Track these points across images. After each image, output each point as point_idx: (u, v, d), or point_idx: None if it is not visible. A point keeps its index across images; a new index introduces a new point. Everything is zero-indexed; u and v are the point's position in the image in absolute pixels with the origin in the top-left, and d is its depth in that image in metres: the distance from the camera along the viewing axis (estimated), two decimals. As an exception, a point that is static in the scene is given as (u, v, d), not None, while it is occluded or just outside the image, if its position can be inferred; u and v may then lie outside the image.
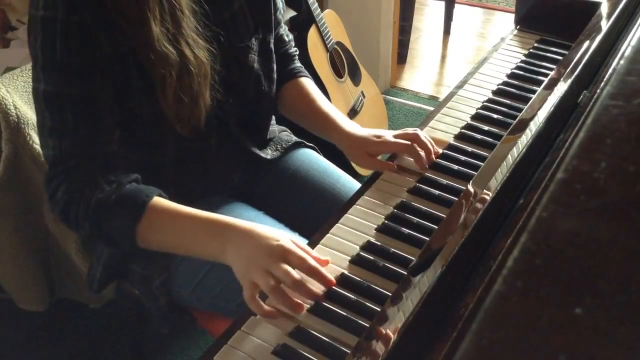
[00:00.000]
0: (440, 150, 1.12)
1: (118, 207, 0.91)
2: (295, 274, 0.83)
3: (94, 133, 0.92)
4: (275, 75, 1.16)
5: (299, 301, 0.83)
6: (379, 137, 1.10)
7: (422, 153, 1.08)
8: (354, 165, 1.99)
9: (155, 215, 0.91)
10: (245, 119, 1.14)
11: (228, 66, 1.04)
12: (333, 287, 0.86)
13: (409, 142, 1.08)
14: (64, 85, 0.89)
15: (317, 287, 0.85)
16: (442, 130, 1.18)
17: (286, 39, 1.24)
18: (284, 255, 0.84)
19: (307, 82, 1.23)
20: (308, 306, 0.84)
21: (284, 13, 1.22)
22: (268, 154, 1.22)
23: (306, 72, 1.26)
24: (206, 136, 1.05)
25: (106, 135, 0.94)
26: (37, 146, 1.23)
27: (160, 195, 0.94)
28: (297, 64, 1.26)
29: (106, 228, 0.93)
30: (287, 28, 1.26)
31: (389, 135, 1.10)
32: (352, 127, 1.14)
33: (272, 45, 1.14)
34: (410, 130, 1.11)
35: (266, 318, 0.83)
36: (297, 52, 1.28)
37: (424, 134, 1.11)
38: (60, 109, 0.90)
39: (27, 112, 1.22)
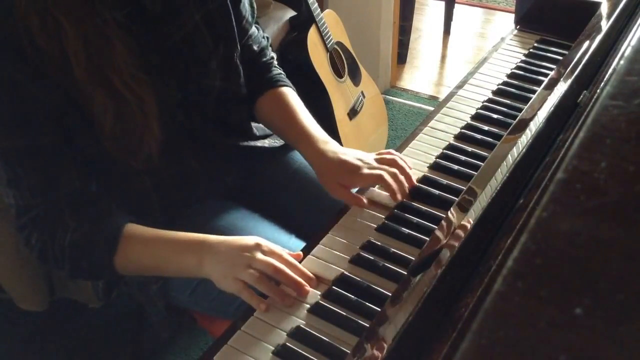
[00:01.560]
0: (415, 183, 1.04)
1: (92, 244, 0.92)
2: (275, 262, 0.86)
3: (49, 178, 0.91)
4: (244, 90, 1.11)
5: (286, 291, 0.86)
6: (353, 169, 1.01)
7: (395, 186, 1.00)
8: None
9: (130, 245, 0.93)
10: (223, 121, 1.10)
11: (185, 88, 1.00)
12: (333, 287, 0.86)
13: (379, 174, 0.99)
14: (5, 140, 0.88)
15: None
16: (442, 130, 1.18)
17: (255, 48, 1.16)
18: (261, 249, 0.88)
19: (287, 92, 1.14)
20: (294, 295, 0.86)
21: (252, 20, 1.14)
22: (265, 142, 1.19)
23: (286, 80, 1.17)
24: (182, 158, 1.04)
25: (63, 177, 0.92)
26: (37, 146, 1.23)
27: (132, 221, 0.95)
28: (275, 72, 1.18)
29: (85, 266, 0.94)
30: (260, 35, 1.18)
31: (366, 162, 1.02)
32: (329, 147, 1.05)
33: (237, 60, 1.08)
34: (387, 156, 1.04)
35: (261, 311, 0.85)
36: (273, 59, 1.19)
37: (402, 161, 1.03)
38: (9, 162, 0.89)
39: (27, 112, 1.22)
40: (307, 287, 0.87)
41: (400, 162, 1.03)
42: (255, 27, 1.18)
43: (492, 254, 0.62)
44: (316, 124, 1.10)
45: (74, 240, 0.92)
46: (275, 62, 1.21)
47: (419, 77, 2.85)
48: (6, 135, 0.88)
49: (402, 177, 1.01)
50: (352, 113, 2.06)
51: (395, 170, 1.01)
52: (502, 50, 1.41)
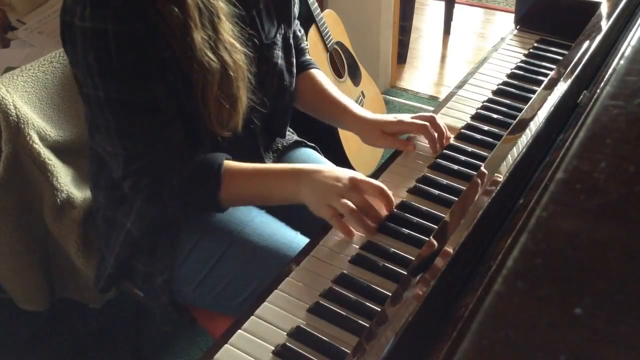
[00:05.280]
0: (452, 136, 1.14)
1: (198, 182, 0.98)
2: (367, 199, 0.94)
3: (162, 129, 0.96)
4: (295, 69, 1.18)
5: (371, 224, 0.94)
6: (394, 119, 1.13)
7: (436, 136, 1.11)
8: (353, 165, 1.99)
9: (232, 176, 0.99)
10: (269, 119, 1.16)
11: (258, 64, 1.06)
12: (333, 287, 0.87)
13: (424, 123, 1.10)
14: (126, 92, 0.93)
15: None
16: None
17: (299, 33, 1.26)
18: (354, 182, 0.95)
19: (318, 74, 1.25)
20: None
21: (298, 9, 1.25)
22: (269, 155, 1.22)
23: (316, 64, 1.29)
24: (233, 137, 1.07)
25: (172, 128, 0.98)
26: (37, 146, 1.23)
27: (227, 159, 1.01)
28: (307, 56, 1.29)
29: (193, 202, 1.00)
30: (299, 23, 1.28)
31: (405, 117, 1.13)
32: (364, 112, 1.17)
33: (291, 40, 1.17)
34: (426, 113, 1.13)
35: (349, 239, 0.94)
36: (307, 46, 1.30)
37: (439, 118, 1.13)
38: (126, 113, 0.94)
39: (27, 112, 1.22)
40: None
41: (439, 122, 1.13)
42: None
43: (492, 254, 0.62)
44: (349, 98, 1.22)
45: (182, 181, 0.97)
46: (307, 50, 1.31)
47: (419, 77, 2.85)
48: (130, 88, 0.93)
49: (443, 130, 1.13)
50: (352, 113, 2.06)
51: (439, 123, 1.12)
52: (502, 50, 1.41)
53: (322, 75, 1.26)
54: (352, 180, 0.95)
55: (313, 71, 1.25)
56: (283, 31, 1.14)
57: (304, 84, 1.24)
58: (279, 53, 1.12)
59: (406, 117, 1.13)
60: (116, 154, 0.98)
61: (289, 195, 0.99)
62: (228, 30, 0.97)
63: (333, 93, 1.21)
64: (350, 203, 0.92)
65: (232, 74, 0.97)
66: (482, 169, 0.89)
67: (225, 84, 0.97)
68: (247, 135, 1.10)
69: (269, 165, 1.01)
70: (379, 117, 1.14)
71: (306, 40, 1.33)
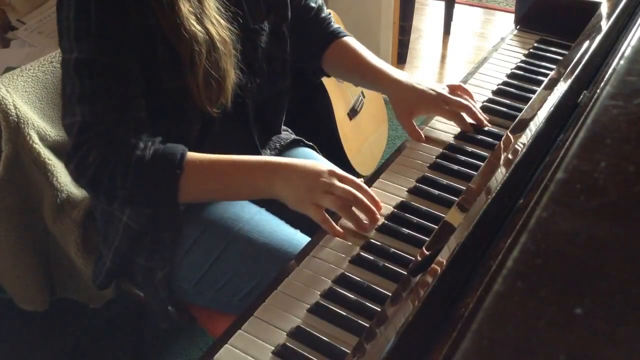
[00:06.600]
0: (487, 118, 1.15)
1: (158, 163, 0.92)
2: (353, 190, 0.91)
3: (125, 99, 0.93)
4: (288, 57, 1.17)
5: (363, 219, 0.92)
6: (430, 101, 1.12)
7: (470, 120, 1.12)
8: (353, 165, 1.99)
9: (196, 165, 0.94)
10: (261, 107, 1.15)
11: (243, 46, 1.06)
12: (333, 287, 0.87)
13: (460, 114, 1.11)
14: (97, 53, 0.91)
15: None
16: (442, 130, 1.17)
17: (313, 5, 1.25)
18: (336, 175, 0.92)
19: (352, 41, 1.25)
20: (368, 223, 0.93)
21: None
22: (267, 153, 1.22)
23: (347, 32, 1.28)
24: (222, 119, 1.06)
25: (136, 102, 0.95)
26: (37, 146, 1.23)
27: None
28: (335, 26, 1.27)
29: (147, 186, 0.93)
30: None
31: (440, 94, 1.12)
32: (402, 76, 1.16)
33: (285, 29, 1.16)
34: (463, 89, 1.14)
35: (340, 237, 0.92)
36: (330, 15, 1.29)
37: (472, 102, 1.14)
38: (92, 76, 0.92)
39: (27, 112, 1.22)
40: (378, 215, 0.93)
41: (472, 104, 1.13)
42: None
43: (492, 254, 0.62)
44: (386, 64, 1.20)
45: (140, 158, 0.91)
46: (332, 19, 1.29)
47: (419, 77, 2.84)
48: (102, 50, 0.91)
49: (479, 115, 1.13)
50: (352, 113, 2.06)
51: (475, 110, 1.12)
52: (502, 50, 1.41)
53: (357, 43, 1.25)
54: (333, 173, 0.92)
55: (346, 39, 1.24)
56: (273, 19, 1.13)
57: (337, 51, 1.24)
58: (265, 39, 1.11)
59: (443, 89, 1.12)
60: (72, 125, 0.92)
61: (261, 189, 0.95)
62: (213, 6, 0.97)
63: (369, 58, 1.21)
64: (336, 198, 0.90)
65: (219, 46, 0.96)
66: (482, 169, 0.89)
67: (212, 57, 0.96)
68: (237, 115, 1.08)
69: (238, 157, 0.96)
70: (415, 85, 1.13)
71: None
